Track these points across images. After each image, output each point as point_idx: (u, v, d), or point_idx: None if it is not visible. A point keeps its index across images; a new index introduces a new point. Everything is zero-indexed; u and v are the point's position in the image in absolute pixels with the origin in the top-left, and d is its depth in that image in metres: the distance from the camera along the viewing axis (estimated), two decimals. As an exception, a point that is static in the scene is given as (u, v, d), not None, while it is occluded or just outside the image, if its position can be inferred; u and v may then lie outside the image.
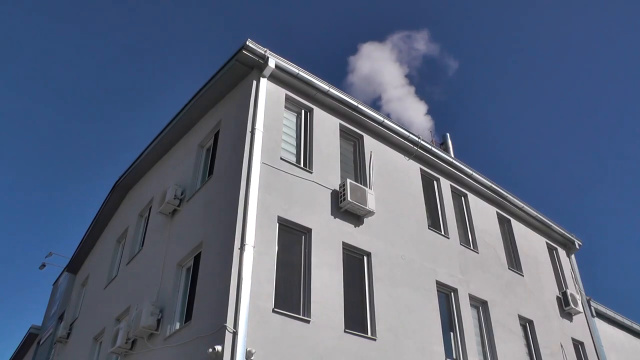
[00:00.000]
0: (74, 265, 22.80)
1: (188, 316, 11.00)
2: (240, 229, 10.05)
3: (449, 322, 13.57)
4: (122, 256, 16.85)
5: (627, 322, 21.79)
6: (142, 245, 15.23)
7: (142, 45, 62.62)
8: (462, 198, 16.58)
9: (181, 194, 13.26)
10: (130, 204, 17.98)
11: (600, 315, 20.27)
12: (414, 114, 33.42)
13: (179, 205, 13.25)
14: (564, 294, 18.00)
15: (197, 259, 11.63)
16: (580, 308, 18.23)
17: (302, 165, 12.23)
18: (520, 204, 18.20)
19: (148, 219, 15.74)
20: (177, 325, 11.31)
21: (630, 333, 21.90)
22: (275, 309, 9.86)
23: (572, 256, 20.38)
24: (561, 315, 17.62)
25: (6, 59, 55.48)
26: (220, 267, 10.12)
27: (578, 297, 18.57)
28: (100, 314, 16.57)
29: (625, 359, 20.06)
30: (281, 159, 11.79)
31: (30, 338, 27.87)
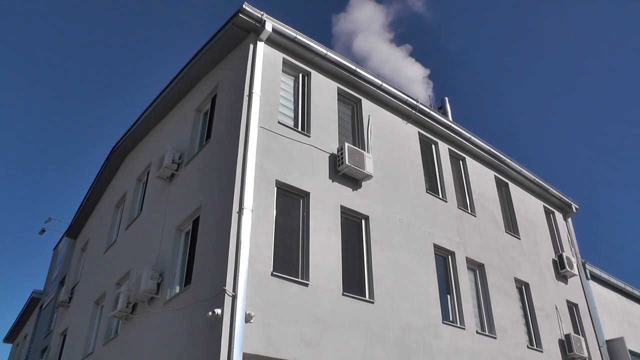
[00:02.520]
0: (74, 231, 22.91)
1: (187, 280, 11.09)
2: (239, 193, 10.06)
3: (446, 285, 13.72)
4: (121, 221, 16.92)
5: (620, 284, 22.07)
6: (141, 210, 15.28)
7: (139, 9, 61.75)
8: (460, 162, 16.58)
9: (179, 159, 13.24)
10: (129, 169, 17.98)
11: (595, 278, 20.51)
12: (412, 75, 33.21)
13: (177, 170, 13.25)
14: (560, 257, 18.17)
15: (195, 223, 11.68)
16: (575, 271, 18.42)
17: (300, 129, 12.18)
18: (519, 168, 18.22)
19: (146, 184, 15.76)
20: (177, 289, 11.43)
21: (622, 295, 22.19)
22: (274, 273, 9.94)
23: (569, 220, 20.50)
24: (556, 278, 17.81)
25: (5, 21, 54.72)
26: (218, 231, 10.16)
27: (574, 260, 18.75)
28: (100, 278, 16.72)
29: (617, 320, 20.38)
30: (279, 123, 11.73)
31: (33, 302, 28.22)
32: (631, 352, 19.29)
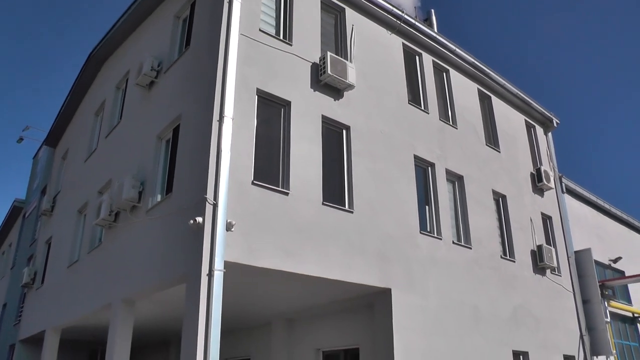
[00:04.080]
0: (53, 139, 22.68)
1: (169, 188, 11.14)
2: (219, 101, 9.92)
3: (425, 196, 13.94)
4: (101, 129, 16.75)
5: (593, 198, 22.63)
6: (121, 118, 15.10)
7: None
8: (444, 74, 16.41)
9: (158, 66, 12.95)
10: (107, 76, 17.60)
11: (570, 192, 20.98)
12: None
13: (156, 77, 12.99)
14: (538, 170, 18.47)
15: (176, 131, 11.59)
16: (552, 184, 18.80)
17: (281, 38, 11.88)
18: (502, 81, 18.11)
19: (125, 92, 15.50)
20: (159, 198, 11.51)
21: (594, 208, 22.81)
22: (254, 182, 10.00)
23: (549, 134, 20.67)
24: (533, 191, 18.18)
25: None
26: (199, 140, 10.11)
27: (551, 173, 19.08)
28: (82, 187, 16.75)
29: (586, 232, 21.07)
30: (260, 30, 11.41)
31: (15, 211, 28.32)
32: (596, 262, 20.11)
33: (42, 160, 24.53)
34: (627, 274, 22.47)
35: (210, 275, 8.87)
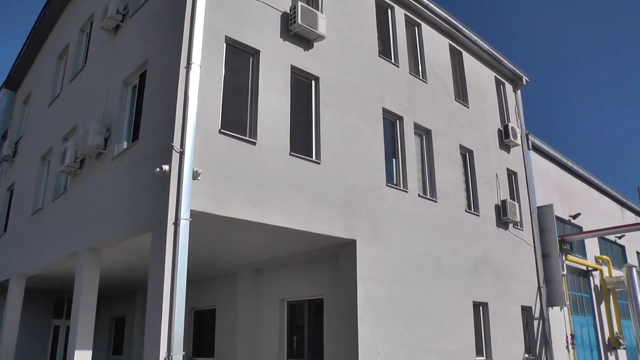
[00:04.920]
0: (13, 82, 21.98)
1: (135, 136, 10.98)
2: (187, 48, 9.70)
3: (392, 149, 14.03)
4: (65, 73, 16.28)
5: (558, 155, 23.12)
6: (86, 62, 14.70)
7: None
8: (416, 28, 16.30)
9: (124, 9, 12.56)
10: (70, 18, 17.02)
11: (536, 149, 21.37)
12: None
13: (121, 21, 12.61)
14: (505, 127, 18.71)
15: (142, 77, 11.35)
16: (518, 141, 19.10)
17: (251, -16, 11.58)
18: (474, 37, 18.09)
19: (90, 35, 15.03)
20: (125, 145, 11.35)
21: (558, 166, 23.33)
22: (221, 130, 9.91)
23: (518, 92, 20.86)
24: (500, 147, 18.45)
25: None
26: (166, 87, 9.93)
27: (518, 130, 19.36)
28: (46, 132, 16.39)
29: (550, 189, 21.59)
30: (230, -25, 11.10)
31: (-24, 155, 27.56)
32: (557, 218, 20.71)
33: (2, 104, 23.79)
34: (584, 230, 23.22)
35: (176, 224, 8.87)
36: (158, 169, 9.05)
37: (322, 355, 12.84)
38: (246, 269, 15.20)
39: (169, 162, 9.09)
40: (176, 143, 9.16)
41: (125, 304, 21.48)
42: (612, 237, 26.91)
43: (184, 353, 8.65)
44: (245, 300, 15.01)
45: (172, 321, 8.50)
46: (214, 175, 9.58)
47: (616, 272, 25.15)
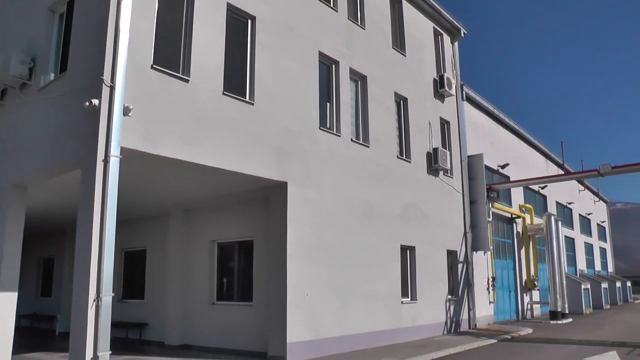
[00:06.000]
0: None
1: (63, 67, 10.54)
2: (117, -22, 9.31)
3: (327, 93, 14.10)
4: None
5: (491, 107, 23.85)
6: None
7: None
8: (356, -27, 16.16)
9: None
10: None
11: (470, 100, 21.94)
12: None
13: (47, -56, 11.90)
14: (441, 77, 19.06)
15: (71, 5, 10.78)
16: (453, 91, 19.53)
17: None
18: (414, -15, 18.14)
19: (14, -41, 14.14)
20: (52, 76, 10.90)
21: (490, 118, 24.12)
22: (154, 66, 9.66)
23: (456, 44, 21.19)
24: (434, 96, 18.83)
25: None
26: (96, 17, 9.52)
27: (453, 81, 19.77)
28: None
29: (481, 139, 22.35)
30: None
31: None
32: (486, 167, 21.57)
33: None
34: (511, 179, 24.28)
35: (106, 161, 8.69)
36: (87, 103, 8.78)
37: (252, 296, 13.13)
38: (177, 209, 15.16)
39: (98, 97, 8.84)
40: (106, 77, 8.89)
41: (54, 244, 21.06)
42: (536, 187, 28.30)
43: (113, 294, 8.59)
44: (176, 241, 15.04)
45: (102, 262, 8.42)
46: (145, 112, 9.40)
47: (537, 220, 26.58)
